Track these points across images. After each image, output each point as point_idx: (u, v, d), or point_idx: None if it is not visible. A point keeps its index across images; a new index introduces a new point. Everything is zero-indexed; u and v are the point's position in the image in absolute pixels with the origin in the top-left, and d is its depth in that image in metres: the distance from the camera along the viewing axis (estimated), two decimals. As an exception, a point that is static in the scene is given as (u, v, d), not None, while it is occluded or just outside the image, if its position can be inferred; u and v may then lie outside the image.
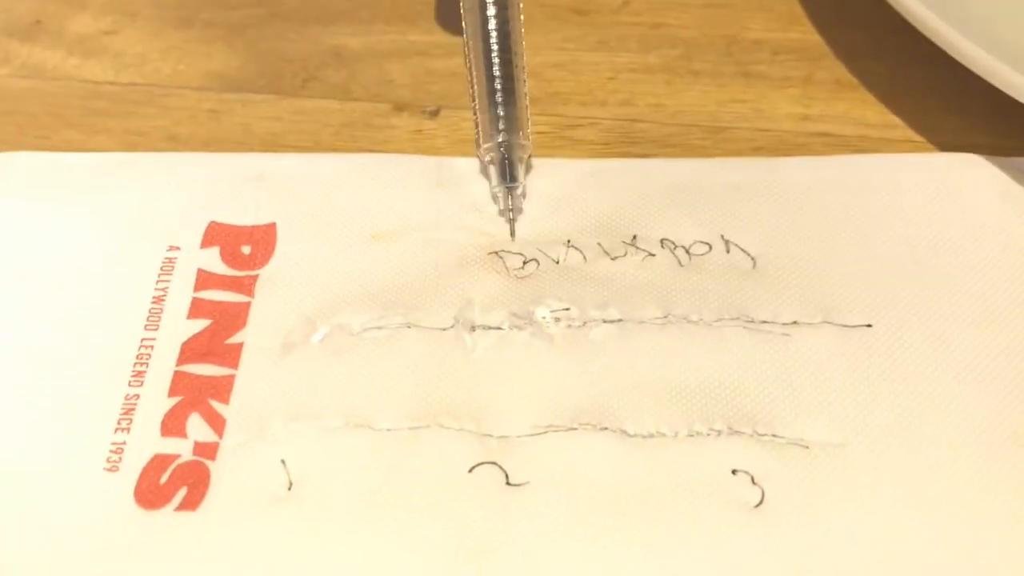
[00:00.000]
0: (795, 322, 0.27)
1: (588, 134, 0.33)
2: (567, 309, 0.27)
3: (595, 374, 0.26)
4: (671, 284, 0.28)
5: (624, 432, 0.25)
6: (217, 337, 0.27)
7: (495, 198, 0.30)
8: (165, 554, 0.24)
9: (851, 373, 0.26)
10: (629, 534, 0.24)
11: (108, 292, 0.28)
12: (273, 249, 0.29)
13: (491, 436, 0.25)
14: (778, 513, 0.24)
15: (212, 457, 0.25)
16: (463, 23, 0.30)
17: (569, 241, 0.29)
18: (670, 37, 0.36)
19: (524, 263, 0.28)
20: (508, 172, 0.29)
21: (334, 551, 0.24)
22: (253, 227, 0.30)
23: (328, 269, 0.28)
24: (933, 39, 0.31)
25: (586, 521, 0.24)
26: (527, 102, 0.30)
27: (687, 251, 0.29)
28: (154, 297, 0.28)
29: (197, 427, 0.26)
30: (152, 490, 0.25)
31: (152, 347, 0.27)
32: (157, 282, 0.28)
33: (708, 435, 0.25)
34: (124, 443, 0.26)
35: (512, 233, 0.29)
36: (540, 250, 0.29)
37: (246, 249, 0.29)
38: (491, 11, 0.30)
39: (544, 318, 0.27)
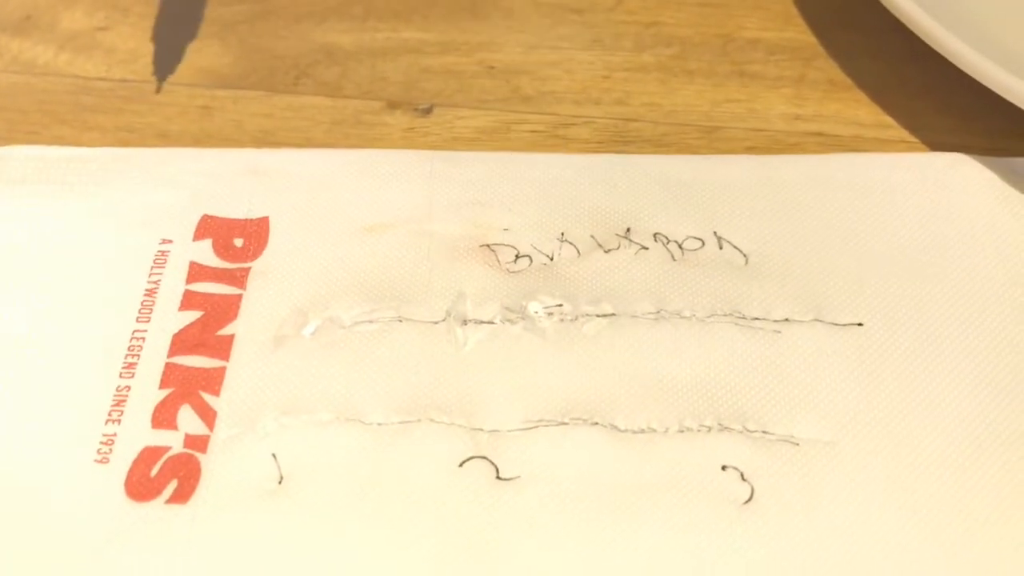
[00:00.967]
0: (787, 320, 0.27)
1: (582, 133, 0.33)
2: (560, 305, 0.27)
3: (587, 369, 0.26)
4: (664, 279, 0.28)
5: (615, 427, 0.25)
6: (209, 329, 0.27)
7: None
8: (155, 546, 0.24)
9: (842, 371, 0.26)
10: (619, 529, 0.24)
11: (101, 284, 0.28)
12: (266, 242, 0.29)
13: (482, 430, 0.25)
14: (768, 509, 0.24)
15: (203, 450, 0.25)
16: None
17: (563, 235, 0.29)
18: (665, 36, 0.36)
19: (517, 257, 0.28)
20: None
21: (324, 544, 0.24)
22: (246, 220, 0.30)
23: (320, 262, 0.28)
24: (926, 39, 0.31)
25: (576, 515, 0.24)
26: None
27: (680, 246, 0.29)
28: (146, 289, 0.28)
29: (188, 419, 0.26)
30: (143, 482, 0.25)
31: (144, 339, 0.27)
32: (150, 274, 0.28)
33: (699, 431, 0.25)
34: (115, 435, 0.25)
35: None
36: (534, 245, 0.29)
37: (239, 242, 0.29)
38: None
39: (536, 313, 0.27)
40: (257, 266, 0.29)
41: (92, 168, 0.31)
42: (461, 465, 0.25)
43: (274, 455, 0.25)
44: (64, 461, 0.25)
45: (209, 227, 0.29)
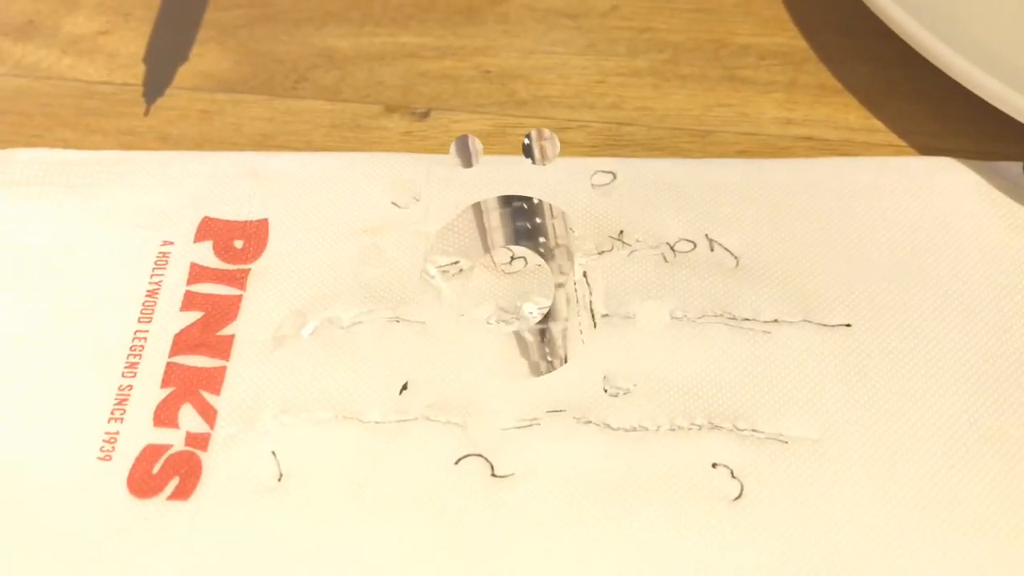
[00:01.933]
0: (776, 320, 0.28)
1: (576, 137, 0.33)
2: (542, 307, 0.28)
3: (581, 368, 0.27)
4: (656, 280, 0.28)
5: (608, 426, 0.26)
6: (209, 329, 0.28)
7: None
8: (157, 542, 0.24)
9: (830, 371, 0.27)
10: (611, 525, 0.24)
11: (103, 285, 0.29)
12: (265, 244, 0.29)
13: (477, 428, 0.26)
14: (757, 506, 0.24)
15: (204, 448, 0.26)
16: None
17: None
18: (658, 41, 0.36)
19: (512, 259, 0.29)
20: None
21: (322, 541, 0.24)
22: (246, 222, 0.30)
23: (318, 263, 0.29)
24: (915, 45, 0.31)
25: (569, 512, 0.25)
26: None
27: (672, 248, 0.29)
28: (148, 290, 0.29)
29: (189, 418, 0.26)
30: (144, 479, 0.25)
31: (146, 339, 0.28)
32: (151, 276, 0.29)
33: (690, 429, 0.26)
34: (117, 433, 0.26)
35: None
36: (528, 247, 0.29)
37: (239, 244, 0.29)
38: None
39: (531, 314, 0.28)
40: (257, 267, 0.29)
41: (94, 171, 0.31)
42: (457, 463, 0.25)
43: (274, 453, 0.26)
44: (68, 458, 0.26)
45: (210, 229, 0.30)
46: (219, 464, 0.25)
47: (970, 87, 0.30)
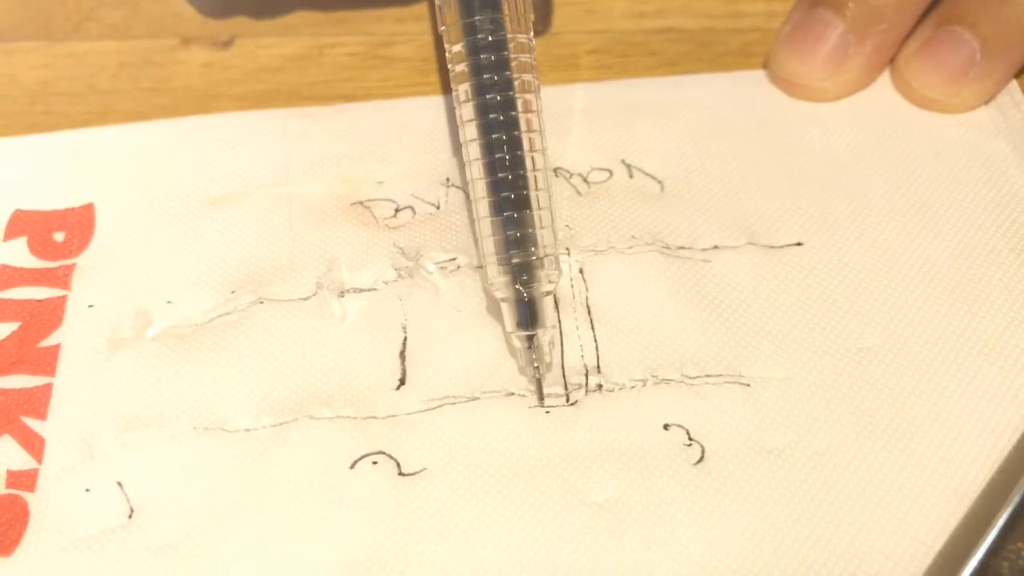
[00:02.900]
0: (716, 247, 0.23)
1: (406, 51, 0.29)
2: (453, 259, 0.23)
3: (493, 328, 0.22)
4: (571, 216, 0.24)
5: (532, 395, 0.21)
6: (28, 341, 0.22)
7: (511, 349, 0.22)
8: (-26, 616, 0.19)
9: (785, 297, 0.23)
10: (550, 513, 0.20)
11: None
12: (91, 233, 0.24)
13: (375, 419, 0.21)
14: (721, 470, 0.20)
15: (30, 488, 0.21)
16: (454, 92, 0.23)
17: (448, 180, 0.25)
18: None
19: (397, 211, 0.24)
20: (527, 315, 0.21)
21: (189, 584, 0.19)
22: (66, 210, 0.25)
23: (160, 248, 0.24)
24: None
25: (497, 504, 0.20)
26: (551, 210, 0.22)
27: (584, 179, 0.25)
28: (-56, 306, 0.23)
29: (9, 453, 0.21)
30: (-46, 538, 0.20)
31: (-58, 363, 0.22)
32: (-54, 287, 0.23)
33: (632, 387, 0.21)
34: (-88, 483, 0.20)
35: (540, 397, 0.21)
36: (415, 195, 0.25)
37: (59, 236, 0.24)
38: (488, 75, 0.21)
39: (430, 273, 0.23)
40: (83, 261, 0.24)
41: None
42: (353, 466, 0.21)
43: (120, 483, 0.21)
44: None
45: (22, 223, 0.24)
46: (50, 507, 0.20)
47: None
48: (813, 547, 0.19)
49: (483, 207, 0.21)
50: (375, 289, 0.23)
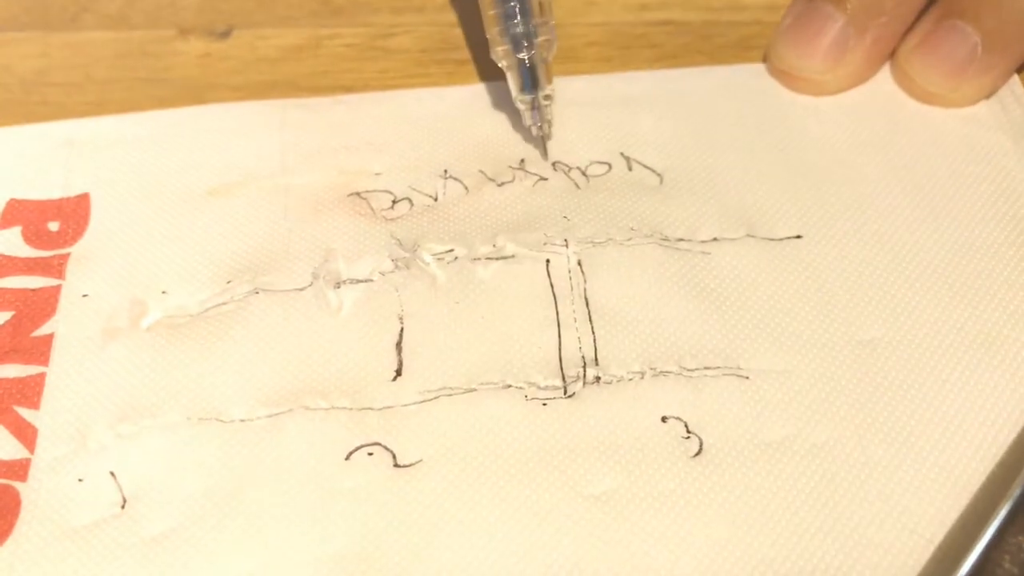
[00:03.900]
0: (715, 239, 0.23)
1: (404, 42, 0.29)
2: (450, 250, 0.23)
3: (492, 321, 0.22)
4: (570, 208, 0.24)
5: (535, 385, 0.21)
6: (21, 330, 0.22)
7: (521, 113, 0.25)
8: (-35, 605, 0.19)
9: (785, 289, 0.23)
10: (547, 506, 0.20)
11: None
12: (87, 222, 0.24)
13: (371, 410, 0.21)
14: (719, 462, 0.20)
15: (22, 478, 0.20)
16: None
17: (446, 171, 0.25)
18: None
19: (394, 202, 0.24)
20: (529, 78, 0.24)
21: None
22: (61, 200, 0.24)
23: (155, 237, 0.24)
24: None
25: (495, 499, 0.20)
26: None
27: (583, 172, 0.25)
28: (-64, 293, 0.23)
29: (1, 442, 0.21)
30: (-56, 529, 0.20)
31: (-65, 352, 0.22)
32: (-61, 275, 0.23)
33: (629, 379, 0.21)
34: (-97, 473, 0.20)
35: (544, 153, 0.25)
36: (413, 187, 0.24)
37: (53, 226, 0.24)
38: None
39: (427, 264, 0.23)
40: (77, 251, 0.24)
41: None
42: (348, 457, 0.20)
43: (113, 473, 0.20)
44: None
45: (16, 212, 0.24)
46: (43, 496, 0.20)
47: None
48: (812, 540, 0.19)
49: None
50: (371, 280, 0.23)
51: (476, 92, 0.27)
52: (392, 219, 0.24)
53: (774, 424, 0.21)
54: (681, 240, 0.23)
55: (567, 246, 0.23)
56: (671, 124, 0.26)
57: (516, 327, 0.22)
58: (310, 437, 0.21)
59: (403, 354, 0.22)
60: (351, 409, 0.21)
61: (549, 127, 0.25)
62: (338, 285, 0.23)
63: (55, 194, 0.25)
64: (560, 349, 0.22)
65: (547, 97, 0.24)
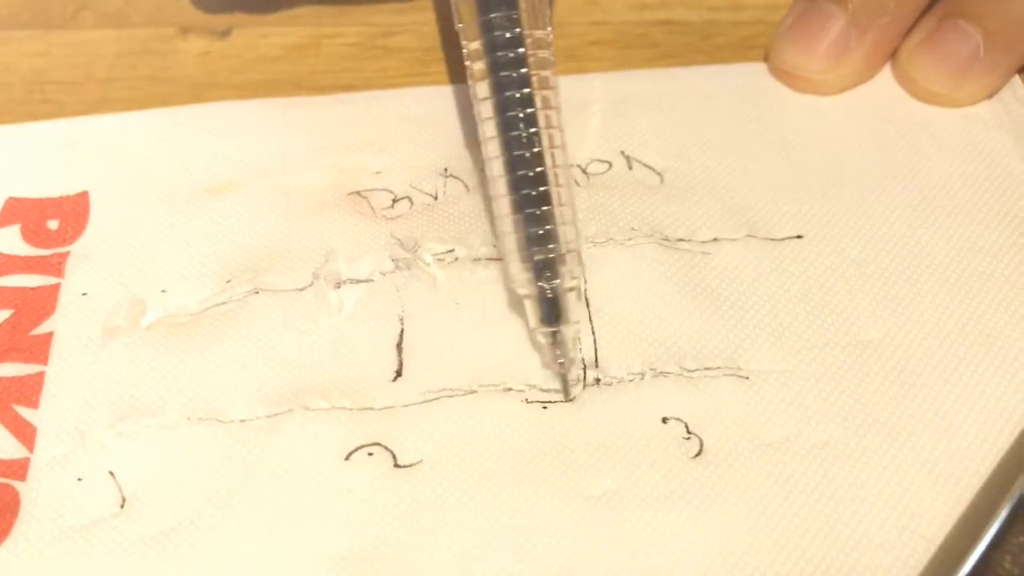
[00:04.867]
0: (715, 239, 0.23)
1: (407, 41, 0.29)
2: (451, 250, 0.23)
3: (492, 322, 0.22)
4: None
5: (535, 387, 0.21)
6: (20, 328, 0.22)
7: (536, 345, 0.22)
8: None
9: (785, 290, 0.22)
10: (547, 507, 0.20)
11: None
12: (86, 221, 0.24)
13: (371, 410, 0.21)
14: (720, 463, 0.20)
15: (21, 477, 0.20)
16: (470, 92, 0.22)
17: (447, 170, 0.25)
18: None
19: (394, 201, 0.24)
20: (551, 311, 0.21)
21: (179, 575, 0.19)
22: (61, 198, 0.24)
23: (155, 236, 0.24)
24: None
25: (495, 500, 0.20)
26: (572, 206, 0.21)
27: (584, 170, 0.25)
28: (-63, 292, 0.23)
29: (0, 442, 0.21)
30: (-57, 527, 0.20)
31: (-66, 350, 0.22)
32: (-59, 273, 0.23)
33: (630, 381, 0.21)
34: (-98, 472, 0.20)
35: (566, 393, 0.21)
36: (413, 185, 0.24)
37: (53, 224, 0.24)
38: (505, 73, 0.21)
39: (428, 264, 0.23)
40: (77, 249, 0.23)
41: None
42: (348, 457, 0.20)
43: (112, 473, 0.20)
44: None
45: (16, 210, 0.24)
46: (42, 495, 0.20)
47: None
48: (813, 540, 0.19)
49: (504, 204, 0.21)
50: (372, 280, 0.23)
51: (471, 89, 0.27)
52: (392, 218, 0.24)
53: (775, 424, 0.21)
54: (681, 240, 0.23)
55: None
56: (672, 123, 0.26)
57: (517, 328, 0.22)
58: (310, 437, 0.21)
59: (403, 355, 0.22)
60: (351, 409, 0.21)
61: (571, 364, 0.21)
62: (339, 285, 0.23)
63: (55, 192, 0.25)
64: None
65: (572, 328, 0.21)
